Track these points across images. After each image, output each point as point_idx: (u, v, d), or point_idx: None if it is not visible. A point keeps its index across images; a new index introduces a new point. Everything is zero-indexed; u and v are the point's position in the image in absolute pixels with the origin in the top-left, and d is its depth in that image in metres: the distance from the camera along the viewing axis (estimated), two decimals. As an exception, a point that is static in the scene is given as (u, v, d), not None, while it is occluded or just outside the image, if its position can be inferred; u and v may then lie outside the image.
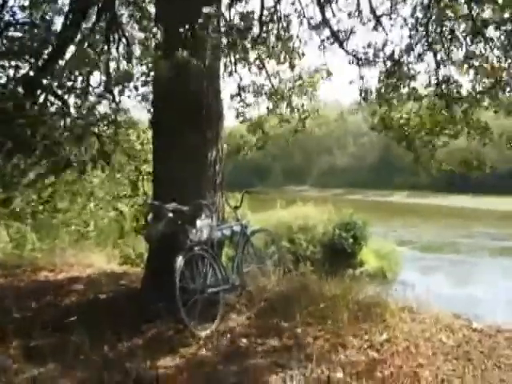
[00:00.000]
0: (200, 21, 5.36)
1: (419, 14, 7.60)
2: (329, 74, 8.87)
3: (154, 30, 5.77)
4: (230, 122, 9.63)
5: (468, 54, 7.35)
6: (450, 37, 7.45)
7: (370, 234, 25.05)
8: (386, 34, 7.80)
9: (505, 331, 5.48)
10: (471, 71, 7.41)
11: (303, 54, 8.21)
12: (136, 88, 6.13)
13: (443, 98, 7.69)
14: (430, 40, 7.57)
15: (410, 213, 44.88)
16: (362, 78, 8.23)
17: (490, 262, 26.62)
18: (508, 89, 7.23)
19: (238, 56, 6.79)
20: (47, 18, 7.34)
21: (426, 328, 5.40)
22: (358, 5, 7.87)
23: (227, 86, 8.55)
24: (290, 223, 24.96)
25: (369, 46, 7.88)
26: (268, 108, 9.26)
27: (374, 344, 4.99)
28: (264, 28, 7.49)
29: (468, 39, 7.29)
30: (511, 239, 31.58)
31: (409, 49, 7.68)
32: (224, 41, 5.84)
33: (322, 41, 8.08)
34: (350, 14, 7.93)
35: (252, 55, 7.59)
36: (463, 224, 38.14)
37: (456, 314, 6.01)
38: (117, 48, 7.64)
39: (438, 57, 7.66)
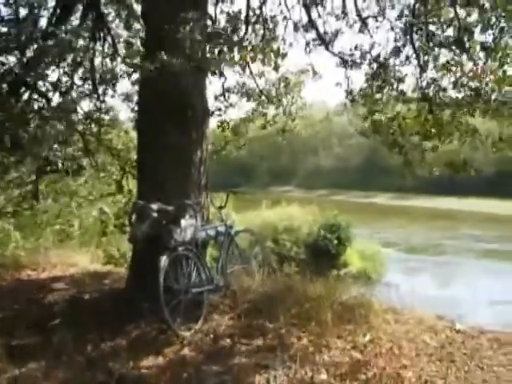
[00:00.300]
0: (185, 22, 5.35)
1: (406, 18, 7.62)
2: (315, 73, 8.88)
3: (140, 28, 5.75)
4: (214, 120, 9.61)
5: (452, 57, 7.38)
6: (435, 40, 7.47)
7: (354, 236, 25.09)
8: (371, 37, 7.81)
9: (487, 332, 5.53)
10: (456, 74, 7.45)
11: (285, 55, 8.19)
12: (114, 85, 6.09)
13: (428, 101, 7.71)
14: (415, 43, 7.59)
15: (395, 214, 44.84)
16: (348, 79, 8.24)
17: (475, 263, 26.62)
18: (492, 92, 7.27)
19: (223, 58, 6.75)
20: (33, 14, 7.26)
21: (410, 329, 5.43)
22: (344, 7, 7.88)
23: (212, 86, 8.53)
24: (275, 224, 24.97)
25: (356, 48, 7.89)
26: (253, 108, 9.24)
27: (357, 345, 5.00)
28: (249, 29, 7.47)
29: (453, 44, 7.32)
30: (496, 241, 31.65)
31: (395, 51, 7.69)
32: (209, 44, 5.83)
33: (308, 43, 8.08)
34: (337, 16, 7.94)
35: (237, 56, 7.57)
36: (449, 226, 38.12)
37: (439, 315, 6.04)
38: (102, 46, 7.60)
39: (423, 60, 7.67)
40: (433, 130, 7.82)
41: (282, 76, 8.99)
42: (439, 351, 4.96)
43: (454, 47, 7.27)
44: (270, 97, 9.04)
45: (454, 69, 7.38)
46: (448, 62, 7.43)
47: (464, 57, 7.27)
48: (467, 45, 7.05)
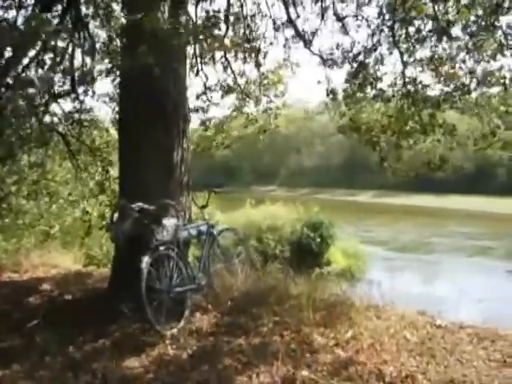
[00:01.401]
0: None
1: (386, 16, 7.64)
2: (293, 69, 8.90)
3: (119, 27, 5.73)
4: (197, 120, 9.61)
5: (433, 53, 7.41)
6: (415, 36, 7.50)
7: (336, 234, 25.13)
8: (347, 34, 7.82)
9: (467, 327, 5.59)
10: (435, 72, 7.50)
11: (266, 54, 8.19)
12: (93, 83, 6.05)
13: (409, 97, 7.72)
14: (396, 39, 7.61)
15: (380, 212, 44.81)
16: (327, 78, 8.26)
17: (466, 261, 26.23)
18: (473, 89, 7.33)
19: (204, 57, 6.78)
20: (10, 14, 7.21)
21: (391, 325, 5.47)
22: (322, 6, 7.89)
23: (193, 85, 8.53)
24: (259, 223, 25.01)
25: (336, 47, 7.90)
26: (235, 107, 9.22)
27: (339, 342, 5.03)
28: (230, 27, 7.48)
29: (433, 39, 7.36)
30: (485, 238, 31.60)
31: (374, 49, 7.72)
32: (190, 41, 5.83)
33: (287, 39, 8.08)
34: (315, 14, 7.96)
35: (218, 55, 7.59)
36: (436, 223, 38.12)
37: (420, 311, 6.10)
38: (82, 46, 7.54)
39: (404, 57, 7.69)
40: (413, 127, 7.84)
41: (263, 74, 8.98)
42: (419, 346, 5.01)
43: (436, 40, 7.29)
44: (250, 95, 9.02)
45: (432, 66, 7.44)
46: (429, 61, 7.46)
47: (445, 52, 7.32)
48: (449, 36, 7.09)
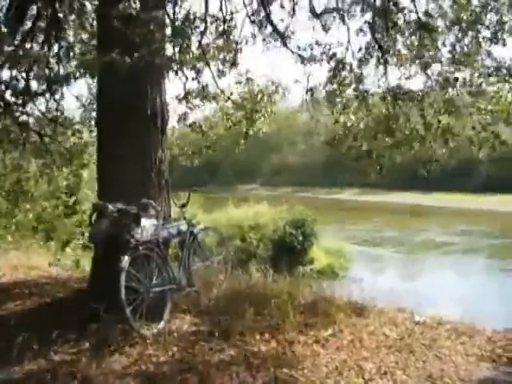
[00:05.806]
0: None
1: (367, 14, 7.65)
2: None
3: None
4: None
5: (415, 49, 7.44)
6: (395, 32, 7.51)
7: (318, 231, 25.03)
8: (326, 32, 7.83)
9: (446, 323, 5.65)
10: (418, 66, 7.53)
11: (241, 50, 8.14)
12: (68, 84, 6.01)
13: (393, 95, 7.68)
14: (377, 36, 7.59)
15: (373, 211, 43.86)
16: (307, 76, 8.26)
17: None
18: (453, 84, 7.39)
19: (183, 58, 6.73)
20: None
21: (371, 322, 5.52)
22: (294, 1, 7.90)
23: (173, 88, 8.45)
24: (242, 222, 24.98)
25: (316, 44, 7.91)
26: (215, 110, 9.17)
27: (319, 339, 5.08)
28: (208, 27, 7.46)
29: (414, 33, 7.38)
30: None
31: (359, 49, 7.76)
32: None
33: (264, 39, 8.04)
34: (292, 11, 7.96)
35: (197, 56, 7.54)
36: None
37: (400, 307, 6.15)
38: (58, 47, 7.48)
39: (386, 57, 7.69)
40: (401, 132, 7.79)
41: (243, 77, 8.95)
42: (398, 342, 5.06)
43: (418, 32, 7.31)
44: (229, 97, 8.97)
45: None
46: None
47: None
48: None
